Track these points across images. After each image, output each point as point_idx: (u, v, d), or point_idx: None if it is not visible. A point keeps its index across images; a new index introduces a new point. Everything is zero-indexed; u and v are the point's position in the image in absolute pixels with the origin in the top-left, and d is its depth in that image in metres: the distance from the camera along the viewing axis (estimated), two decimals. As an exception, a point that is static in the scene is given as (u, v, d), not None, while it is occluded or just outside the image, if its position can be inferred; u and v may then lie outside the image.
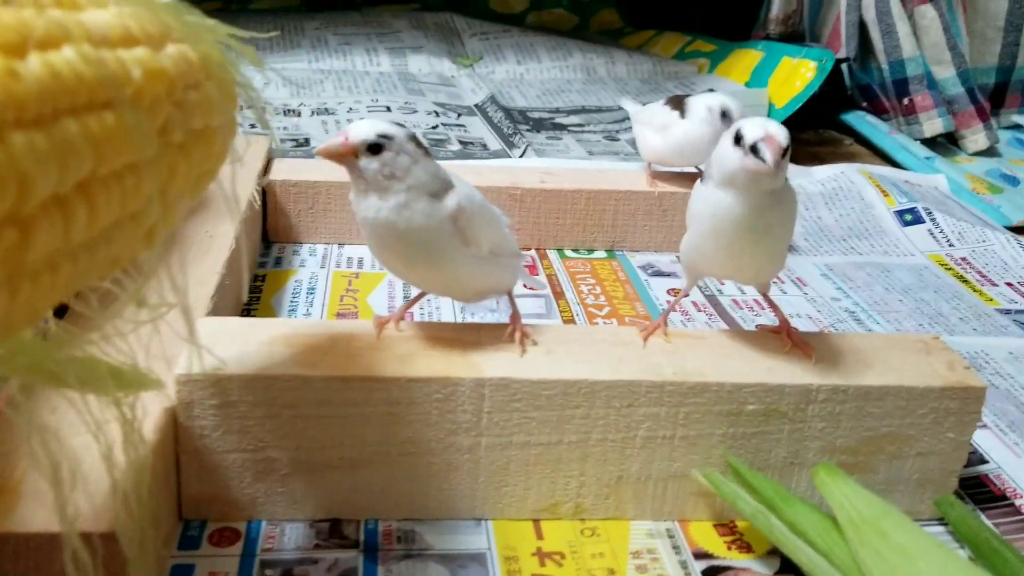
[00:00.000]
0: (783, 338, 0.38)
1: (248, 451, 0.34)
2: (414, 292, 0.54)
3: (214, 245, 0.46)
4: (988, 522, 0.39)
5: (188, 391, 0.33)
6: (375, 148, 0.33)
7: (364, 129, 0.33)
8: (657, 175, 0.64)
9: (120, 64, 0.22)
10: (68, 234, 0.20)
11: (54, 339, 0.24)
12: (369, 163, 0.33)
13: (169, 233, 0.26)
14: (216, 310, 0.41)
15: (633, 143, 0.70)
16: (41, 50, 0.19)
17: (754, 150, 0.33)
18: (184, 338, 0.28)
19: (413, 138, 0.34)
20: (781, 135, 0.34)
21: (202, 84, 0.26)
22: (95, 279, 0.23)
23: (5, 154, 0.18)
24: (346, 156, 0.33)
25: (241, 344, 0.35)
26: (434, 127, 0.86)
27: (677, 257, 0.62)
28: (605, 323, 0.53)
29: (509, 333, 0.37)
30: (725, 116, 0.59)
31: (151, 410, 0.32)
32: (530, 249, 0.62)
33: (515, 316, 0.38)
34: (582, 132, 0.90)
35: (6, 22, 0.18)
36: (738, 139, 0.34)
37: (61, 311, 0.25)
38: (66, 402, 0.29)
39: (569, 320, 0.53)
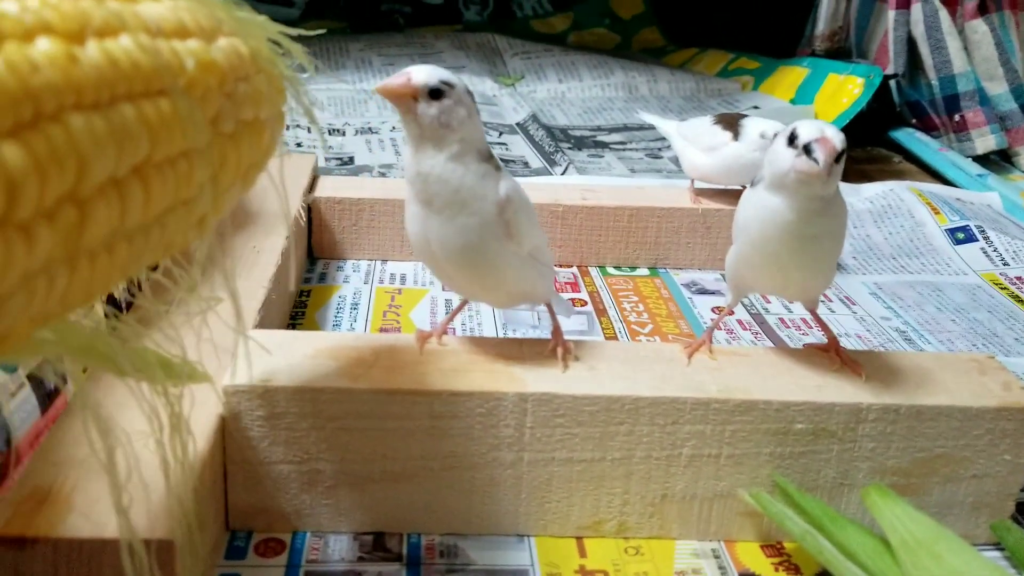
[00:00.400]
0: (832, 356, 0.38)
1: (294, 462, 0.34)
2: (455, 306, 0.55)
3: (260, 260, 0.47)
4: (1046, 548, 0.37)
5: (236, 401, 0.33)
6: (436, 93, 0.33)
7: (427, 73, 0.33)
8: (701, 192, 0.64)
9: (174, 54, 0.22)
10: (124, 216, 0.21)
11: (107, 325, 0.25)
12: (428, 108, 0.33)
13: (219, 220, 0.27)
14: (263, 324, 0.42)
15: (676, 160, 0.70)
16: (99, 38, 0.20)
17: (807, 150, 0.33)
18: (233, 327, 0.29)
19: (469, 92, 0.34)
20: (836, 138, 0.33)
21: (252, 77, 0.27)
22: (150, 263, 0.24)
23: (65, 135, 0.18)
24: (405, 97, 0.33)
25: (287, 356, 0.35)
26: (477, 145, 0.87)
27: (722, 275, 0.62)
28: (648, 340, 0.53)
29: (551, 348, 0.37)
30: None
31: (200, 419, 0.32)
32: (572, 266, 0.62)
33: (557, 331, 0.37)
34: (624, 150, 0.90)
35: (66, 11, 0.19)
36: (792, 139, 0.34)
37: (118, 304, 0.26)
38: (124, 397, 0.29)
39: (612, 337, 0.53)
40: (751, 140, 0.59)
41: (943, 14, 0.93)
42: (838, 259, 0.37)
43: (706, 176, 0.62)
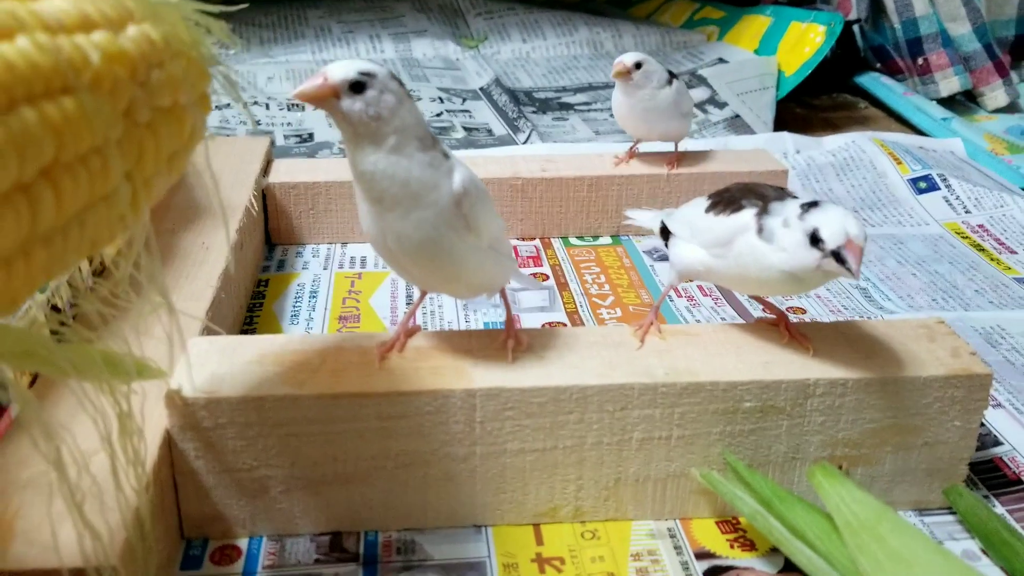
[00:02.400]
0: (781, 330, 0.38)
1: (243, 470, 0.34)
2: (416, 295, 0.54)
3: (210, 257, 0.46)
4: (1001, 508, 0.38)
5: (180, 413, 0.33)
6: (357, 87, 0.31)
7: (344, 67, 0.31)
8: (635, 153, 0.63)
9: (77, 49, 0.22)
10: (36, 221, 0.20)
11: (48, 330, 0.24)
12: (353, 103, 0.31)
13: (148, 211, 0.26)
14: (213, 324, 0.41)
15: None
16: None
17: (838, 257, 0.32)
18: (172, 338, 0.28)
19: (395, 77, 0.32)
20: (861, 236, 0.33)
21: (167, 63, 0.26)
22: (74, 261, 0.24)
23: None
24: (327, 97, 0.31)
25: (230, 364, 0.35)
26: (438, 114, 0.86)
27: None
28: (608, 313, 0.53)
29: (503, 341, 0.36)
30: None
31: (147, 431, 0.32)
32: (534, 239, 0.62)
33: (509, 322, 0.37)
34: (588, 111, 0.89)
35: None
36: (815, 240, 0.33)
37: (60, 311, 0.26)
38: (72, 409, 0.29)
39: (572, 312, 0.53)
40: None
41: (905, -45, 0.92)
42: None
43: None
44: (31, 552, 0.28)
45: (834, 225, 0.32)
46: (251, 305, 0.53)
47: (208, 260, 0.46)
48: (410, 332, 0.37)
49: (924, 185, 0.69)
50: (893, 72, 0.96)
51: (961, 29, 0.91)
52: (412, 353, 0.36)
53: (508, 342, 0.36)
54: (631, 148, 0.63)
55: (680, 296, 0.54)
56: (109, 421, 0.26)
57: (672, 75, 0.60)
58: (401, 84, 0.32)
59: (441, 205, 0.33)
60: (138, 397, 0.28)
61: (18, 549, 0.28)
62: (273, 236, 0.60)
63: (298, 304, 0.53)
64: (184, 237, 0.48)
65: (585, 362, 0.35)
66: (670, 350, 0.36)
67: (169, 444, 0.33)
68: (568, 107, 0.90)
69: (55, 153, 0.21)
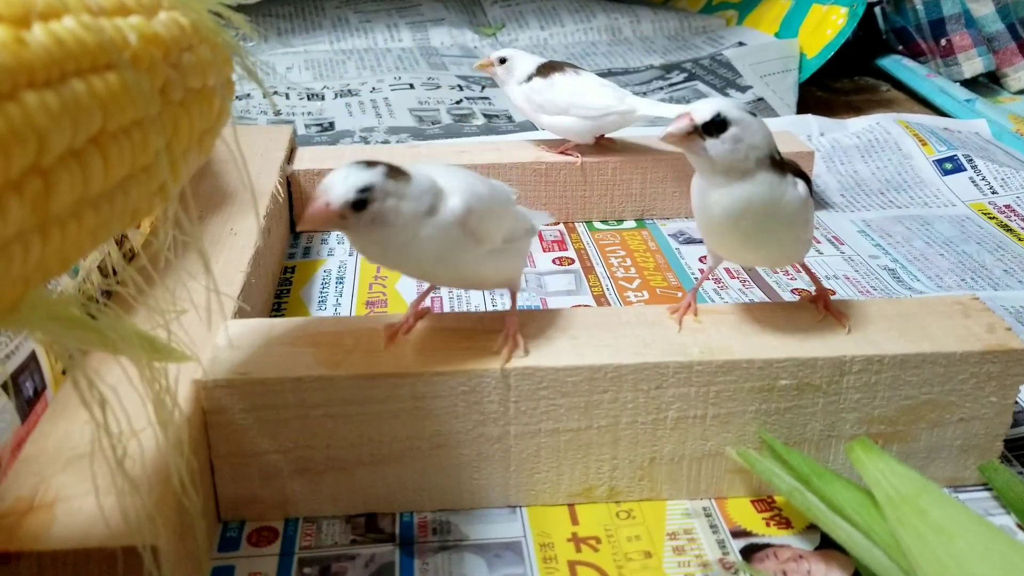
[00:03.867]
0: (818, 307, 0.37)
1: (279, 452, 0.34)
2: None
3: (238, 242, 0.46)
4: (1037, 485, 0.38)
5: (217, 395, 0.33)
6: (359, 205, 0.30)
7: (341, 190, 0.30)
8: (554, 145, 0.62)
9: (117, 30, 0.24)
10: (87, 184, 0.22)
11: (80, 299, 0.25)
12: (358, 221, 0.31)
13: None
14: (243, 310, 0.41)
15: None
16: (44, 20, 0.21)
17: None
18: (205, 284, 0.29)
19: (390, 172, 0.31)
20: (701, 111, 0.32)
21: (195, 47, 0.28)
22: (118, 230, 0.26)
23: (22, 112, 0.20)
24: (334, 223, 0.31)
25: (265, 345, 0.35)
26: (458, 102, 0.86)
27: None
28: (636, 296, 0.53)
29: (499, 346, 0.35)
30: None
31: (184, 413, 0.32)
32: (558, 223, 0.62)
33: (511, 322, 0.36)
34: (608, 97, 0.88)
35: None
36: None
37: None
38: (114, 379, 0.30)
39: (599, 295, 0.53)
40: None
41: (927, -65, 0.91)
42: (802, 234, 0.36)
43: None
44: (71, 534, 0.28)
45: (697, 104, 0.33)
46: (278, 291, 0.53)
47: (237, 245, 0.46)
48: (420, 314, 0.37)
49: (950, 166, 0.68)
50: (915, 54, 0.95)
51: (984, 10, 0.90)
52: (445, 334, 0.36)
53: (504, 349, 0.35)
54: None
55: (708, 279, 0.54)
56: (147, 395, 0.26)
57: (552, 70, 0.59)
58: (398, 172, 0.32)
59: (443, 225, 0.32)
60: (173, 378, 0.28)
61: (58, 531, 0.28)
62: (298, 224, 0.60)
63: (325, 290, 0.53)
64: (212, 224, 0.48)
65: (619, 341, 0.35)
66: (704, 329, 0.36)
67: (205, 426, 0.34)
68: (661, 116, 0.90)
69: (102, 122, 0.22)
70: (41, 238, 0.21)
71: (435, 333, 0.36)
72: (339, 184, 0.30)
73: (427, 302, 0.44)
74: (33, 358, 0.33)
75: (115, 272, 0.32)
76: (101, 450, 0.25)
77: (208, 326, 0.32)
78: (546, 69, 0.60)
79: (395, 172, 0.31)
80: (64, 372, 0.35)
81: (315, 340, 0.35)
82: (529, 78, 0.60)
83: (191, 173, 0.30)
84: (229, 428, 0.34)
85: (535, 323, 0.37)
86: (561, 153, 0.61)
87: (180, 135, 0.27)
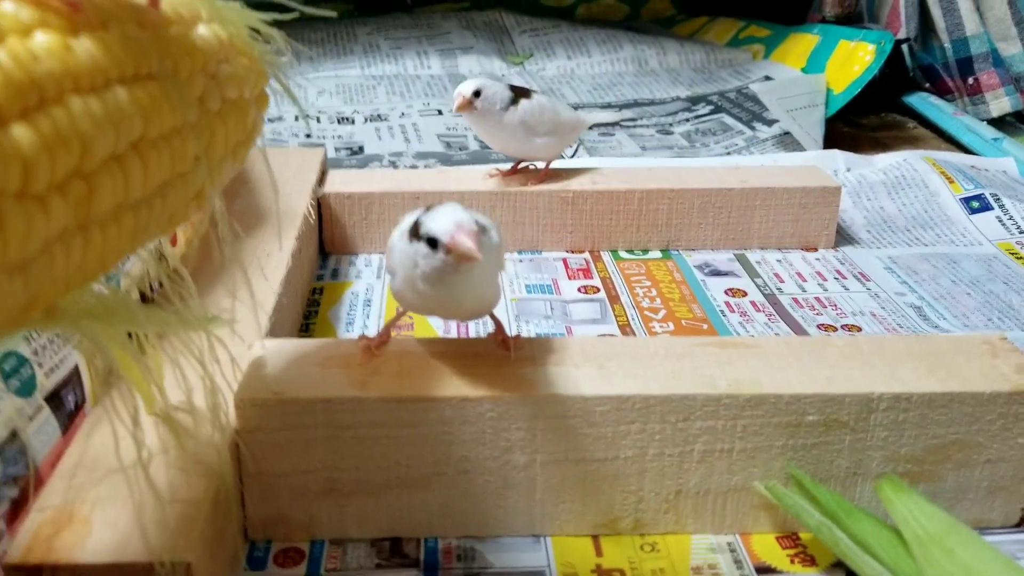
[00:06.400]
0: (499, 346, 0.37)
1: (308, 473, 0.35)
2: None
3: (271, 262, 0.47)
4: (1065, 529, 0.37)
5: (249, 414, 0.33)
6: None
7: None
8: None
9: (159, 40, 0.25)
10: (127, 188, 0.23)
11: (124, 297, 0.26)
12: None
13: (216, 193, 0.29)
14: (274, 330, 0.42)
15: (688, 136, 0.68)
16: (90, 29, 0.22)
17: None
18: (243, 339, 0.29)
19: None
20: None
21: (232, 59, 0.28)
22: (156, 234, 0.26)
23: (68, 116, 0.20)
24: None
25: (296, 366, 0.35)
26: (486, 129, 0.86)
27: (735, 255, 0.61)
28: (661, 327, 0.53)
29: (499, 341, 0.37)
30: None
31: (214, 431, 0.33)
32: (583, 252, 0.62)
33: (499, 327, 0.38)
34: (634, 127, 0.89)
35: (57, 7, 0.22)
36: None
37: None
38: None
39: (624, 324, 0.53)
40: None
41: (955, -26, 0.91)
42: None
43: None
44: (107, 547, 0.28)
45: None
46: (307, 313, 0.53)
47: (270, 265, 0.47)
48: (382, 341, 0.37)
49: (976, 204, 0.68)
50: (942, 92, 0.95)
51: (1012, 49, 0.90)
52: (473, 359, 0.36)
53: (504, 342, 0.37)
54: (514, 165, 0.63)
55: (733, 312, 0.54)
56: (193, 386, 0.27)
57: (521, 94, 0.59)
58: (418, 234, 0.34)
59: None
60: (204, 407, 0.29)
61: (93, 545, 0.28)
62: (327, 246, 0.61)
63: (352, 312, 0.54)
64: (245, 243, 0.49)
65: (647, 371, 0.36)
66: (732, 362, 0.36)
67: (236, 445, 0.34)
68: (614, 123, 0.90)
69: (143, 129, 0.23)
70: (82, 240, 0.22)
71: (465, 359, 0.36)
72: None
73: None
74: (76, 372, 0.34)
75: (152, 289, 0.33)
76: (137, 464, 0.25)
77: (245, 344, 0.32)
78: (522, 92, 0.60)
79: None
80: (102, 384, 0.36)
81: (346, 361, 0.36)
82: (514, 101, 0.59)
83: (225, 182, 0.30)
84: (259, 447, 0.34)
85: (562, 350, 0.37)
86: (533, 182, 0.61)
87: (216, 144, 0.28)
